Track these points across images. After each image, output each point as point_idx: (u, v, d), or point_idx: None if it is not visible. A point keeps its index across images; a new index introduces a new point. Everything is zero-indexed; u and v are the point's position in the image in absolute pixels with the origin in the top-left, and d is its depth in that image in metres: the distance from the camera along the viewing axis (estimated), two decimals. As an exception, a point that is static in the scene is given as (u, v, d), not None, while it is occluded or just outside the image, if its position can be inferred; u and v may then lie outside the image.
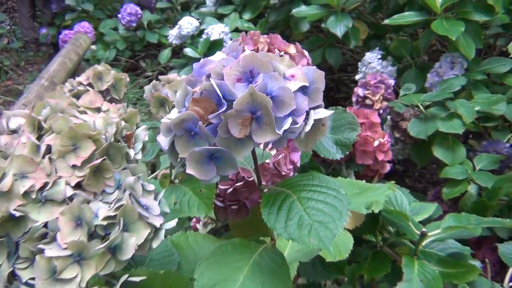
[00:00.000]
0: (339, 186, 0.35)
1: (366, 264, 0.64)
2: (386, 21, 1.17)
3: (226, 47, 0.33)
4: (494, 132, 1.11)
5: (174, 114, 0.32)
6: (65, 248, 0.28)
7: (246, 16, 1.79)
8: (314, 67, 0.32)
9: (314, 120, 0.31)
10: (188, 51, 1.74)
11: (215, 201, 0.52)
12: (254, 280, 0.36)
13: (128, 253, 0.29)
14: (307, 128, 0.30)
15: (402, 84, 1.15)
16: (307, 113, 0.31)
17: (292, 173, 0.53)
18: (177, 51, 2.14)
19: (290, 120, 0.30)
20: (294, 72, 0.31)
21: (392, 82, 1.06)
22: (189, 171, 0.30)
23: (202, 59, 0.33)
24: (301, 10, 1.43)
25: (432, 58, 1.39)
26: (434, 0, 1.10)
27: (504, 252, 0.63)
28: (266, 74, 0.30)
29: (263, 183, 0.49)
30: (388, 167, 0.79)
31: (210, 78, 0.30)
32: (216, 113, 0.29)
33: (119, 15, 2.20)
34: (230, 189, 0.51)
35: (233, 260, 0.37)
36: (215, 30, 1.74)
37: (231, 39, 1.74)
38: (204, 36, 1.75)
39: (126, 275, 0.31)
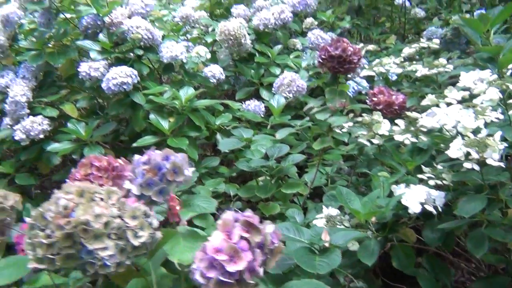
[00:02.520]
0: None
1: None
2: (134, 145, 1.62)
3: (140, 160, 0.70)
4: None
5: (137, 181, 0.67)
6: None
7: (-11, 160, 1.90)
8: (183, 154, 0.74)
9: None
10: None
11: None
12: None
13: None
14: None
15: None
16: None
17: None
18: None
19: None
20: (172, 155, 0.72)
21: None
22: (153, 198, 0.66)
23: (135, 159, 0.70)
24: (55, 146, 1.72)
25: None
26: (163, 126, 1.64)
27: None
28: (171, 160, 0.70)
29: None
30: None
31: (155, 160, 0.68)
32: (160, 173, 0.67)
33: None
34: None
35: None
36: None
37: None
38: None
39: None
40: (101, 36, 1.82)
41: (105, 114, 1.93)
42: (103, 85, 1.64)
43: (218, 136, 1.77)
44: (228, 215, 0.57)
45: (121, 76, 1.61)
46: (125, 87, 1.62)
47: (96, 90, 1.84)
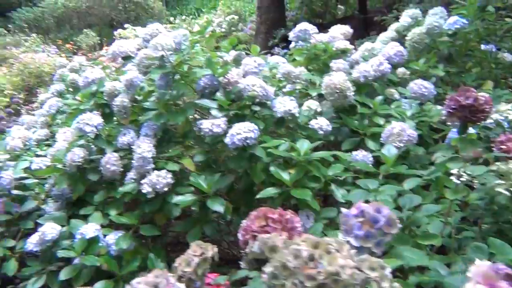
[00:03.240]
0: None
1: None
2: (258, 196, 1.68)
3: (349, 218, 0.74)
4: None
5: (355, 233, 0.71)
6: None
7: (112, 212, 2.01)
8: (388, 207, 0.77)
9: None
10: (63, 253, 1.83)
11: None
12: None
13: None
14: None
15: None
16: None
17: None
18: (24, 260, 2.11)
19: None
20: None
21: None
22: (373, 250, 0.69)
23: (345, 212, 0.74)
24: (179, 199, 1.82)
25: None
26: (284, 178, 1.69)
27: None
28: (387, 213, 0.73)
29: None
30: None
31: (370, 213, 0.71)
32: (377, 225, 0.70)
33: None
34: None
35: None
36: (89, 229, 1.90)
37: (104, 236, 1.93)
38: (78, 236, 1.88)
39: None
40: (218, 95, 1.95)
41: (218, 167, 2.03)
42: (227, 140, 1.74)
43: (333, 186, 1.79)
44: (486, 267, 0.58)
45: (244, 131, 1.70)
46: (248, 141, 1.70)
47: (212, 145, 1.95)
